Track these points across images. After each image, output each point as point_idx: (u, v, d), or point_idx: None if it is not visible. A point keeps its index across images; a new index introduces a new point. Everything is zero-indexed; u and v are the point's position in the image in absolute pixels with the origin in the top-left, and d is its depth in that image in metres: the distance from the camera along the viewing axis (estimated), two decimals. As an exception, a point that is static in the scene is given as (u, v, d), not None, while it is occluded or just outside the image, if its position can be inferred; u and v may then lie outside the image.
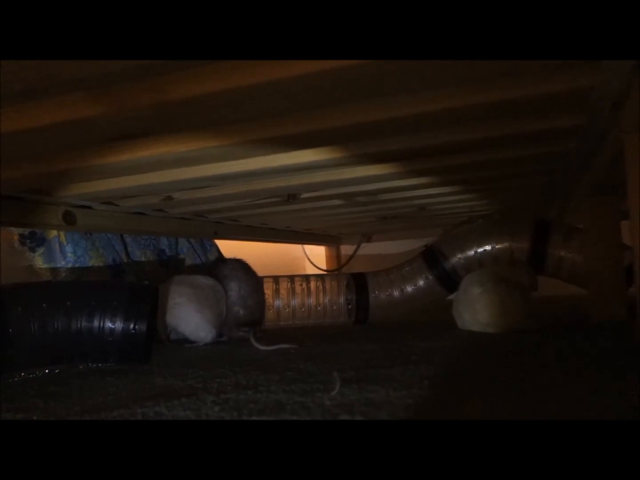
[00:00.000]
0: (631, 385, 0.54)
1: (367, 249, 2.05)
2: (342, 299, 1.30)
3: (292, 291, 1.29)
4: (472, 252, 1.23)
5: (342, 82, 0.50)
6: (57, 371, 0.82)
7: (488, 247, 1.22)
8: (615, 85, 0.50)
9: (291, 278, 1.30)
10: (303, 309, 1.30)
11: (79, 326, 0.80)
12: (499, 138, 0.69)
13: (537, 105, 0.57)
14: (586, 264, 1.07)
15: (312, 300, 1.30)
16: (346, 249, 2.08)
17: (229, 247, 1.52)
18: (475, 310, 1.00)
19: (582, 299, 1.10)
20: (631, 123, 0.53)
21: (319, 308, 1.30)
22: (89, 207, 0.97)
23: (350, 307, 1.29)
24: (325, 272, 1.97)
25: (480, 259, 1.21)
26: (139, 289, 0.86)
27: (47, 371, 0.82)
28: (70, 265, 1.07)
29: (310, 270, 1.99)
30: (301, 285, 1.31)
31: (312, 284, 1.31)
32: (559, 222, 1.28)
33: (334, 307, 1.30)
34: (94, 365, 0.85)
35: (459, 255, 1.24)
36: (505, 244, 1.21)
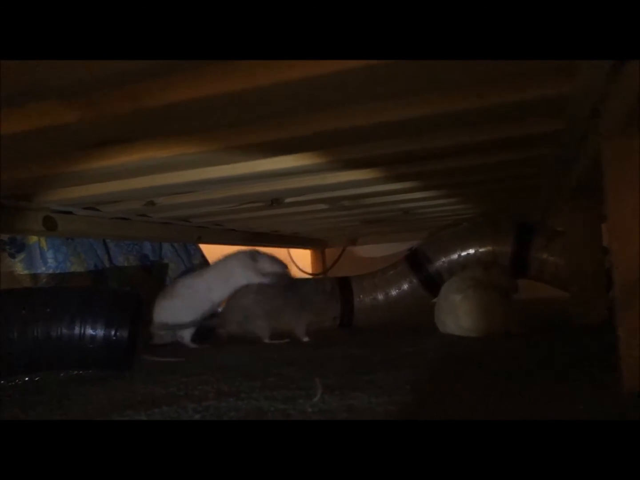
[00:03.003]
0: (605, 387, 0.55)
1: (353, 252, 2.05)
2: (327, 303, 1.30)
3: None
4: (456, 256, 1.24)
5: (323, 88, 0.50)
6: (37, 379, 0.81)
7: (472, 251, 1.23)
8: (592, 92, 0.51)
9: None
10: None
11: (59, 333, 0.80)
12: (479, 144, 0.69)
13: (515, 112, 0.58)
14: (568, 267, 1.08)
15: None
16: (331, 253, 2.08)
17: (213, 252, 1.51)
18: (458, 316, 1.01)
19: (565, 302, 1.11)
20: (608, 129, 0.53)
21: (303, 312, 1.30)
22: (70, 213, 0.96)
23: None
24: (310, 276, 1.97)
25: (464, 263, 1.22)
26: (120, 295, 0.86)
27: (27, 379, 0.81)
28: (51, 271, 1.05)
29: (295, 273, 1.99)
30: (286, 289, 1.31)
31: (297, 288, 1.31)
32: (541, 225, 1.29)
33: (319, 311, 1.30)
34: (75, 372, 0.84)
35: (443, 259, 1.25)
36: (489, 248, 1.22)
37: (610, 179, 0.55)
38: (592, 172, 0.69)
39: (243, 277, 1.09)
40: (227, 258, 1.14)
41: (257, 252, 1.13)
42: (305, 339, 1.09)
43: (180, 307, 1.08)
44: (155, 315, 1.09)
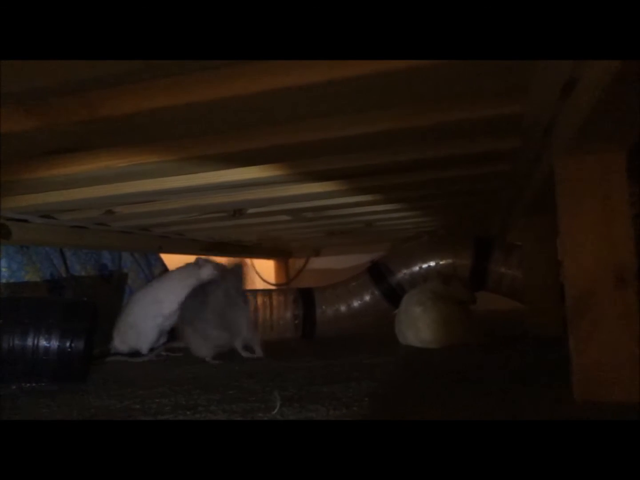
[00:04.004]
0: (557, 396, 0.56)
1: (316, 263, 2.06)
2: (289, 314, 1.30)
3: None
4: (417, 268, 1.26)
5: (284, 102, 0.50)
6: (-14, 392, 0.78)
7: (432, 263, 1.25)
8: (545, 110, 0.52)
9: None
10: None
11: (11, 345, 0.77)
12: (438, 159, 0.70)
13: (472, 129, 0.59)
14: (524, 280, 1.10)
15: (259, 315, 1.29)
16: (295, 263, 2.08)
17: (175, 262, 1.49)
18: (418, 328, 1.02)
19: (522, 314, 1.14)
20: (560, 147, 0.55)
21: (265, 323, 1.29)
22: (25, 221, 0.93)
23: (297, 322, 1.29)
24: (273, 287, 1.96)
25: (426, 275, 1.24)
26: (76, 305, 0.84)
27: (-23, 392, 0.78)
28: (4, 280, 1.02)
29: (259, 284, 1.98)
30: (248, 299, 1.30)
31: (259, 299, 1.31)
32: (499, 239, 1.32)
33: (281, 322, 1.30)
34: (28, 385, 0.81)
35: (405, 271, 1.26)
36: (449, 260, 1.24)
37: (562, 195, 0.57)
38: (547, 188, 0.71)
39: (186, 285, 1.07)
40: (172, 271, 1.14)
41: (203, 259, 1.12)
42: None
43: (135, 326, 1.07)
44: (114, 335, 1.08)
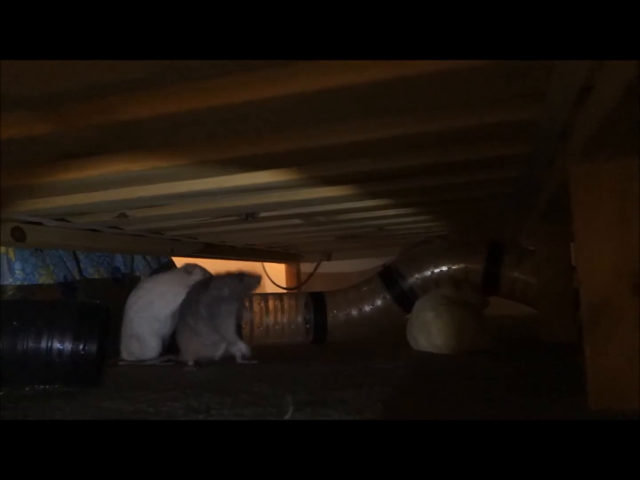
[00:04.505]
0: (570, 404, 0.55)
1: (327, 267, 2.05)
2: (300, 318, 1.30)
3: (250, 310, 1.28)
4: (429, 273, 1.25)
5: (298, 107, 0.50)
6: (0, 394, 0.79)
7: (444, 268, 1.24)
8: (560, 116, 0.52)
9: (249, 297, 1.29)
10: (261, 328, 1.29)
11: (25, 347, 0.78)
12: (450, 164, 0.70)
13: (485, 134, 0.59)
14: (537, 286, 1.10)
15: (270, 319, 1.30)
16: (306, 267, 2.08)
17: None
18: (431, 334, 1.02)
19: (534, 319, 1.13)
20: (575, 153, 0.55)
21: (277, 327, 1.29)
22: (40, 224, 0.94)
23: (308, 326, 1.29)
24: (284, 290, 1.97)
25: (437, 280, 1.23)
26: (89, 309, 0.84)
27: (-10, 394, 0.79)
28: (18, 282, 1.03)
29: (270, 288, 1.98)
30: (259, 304, 1.30)
31: (271, 303, 1.31)
32: (512, 244, 1.31)
33: (292, 327, 1.30)
34: (41, 387, 0.82)
35: (416, 276, 1.26)
36: (461, 265, 1.24)
37: (577, 201, 0.57)
38: (560, 193, 0.71)
39: (177, 292, 1.04)
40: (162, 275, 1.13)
41: (192, 264, 1.11)
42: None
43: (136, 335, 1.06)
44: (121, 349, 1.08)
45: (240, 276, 0.99)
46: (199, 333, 0.97)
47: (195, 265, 1.09)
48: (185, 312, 1.00)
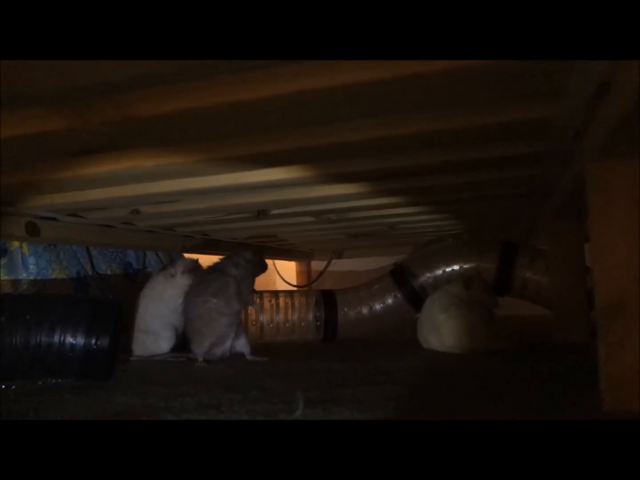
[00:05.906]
0: (584, 406, 0.55)
1: (338, 265, 2.05)
2: (310, 316, 1.30)
3: (261, 307, 1.28)
4: (440, 272, 1.25)
5: (312, 104, 0.50)
6: (13, 387, 0.80)
7: (456, 267, 1.24)
8: (576, 115, 0.52)
9: (260, 293, 1.29)
10: (271, 325, 1.30)
11: (38, 341, 0.78)
12: (464, 162, 0.70)
13: (500, 132, 0.58)
14: (551, 286, 1.09)
15: (280, 317, 1.30)
16: (317, 265, 2.08)
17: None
18: (442, 334, 1.01)
19: (547, 320, 1.12)
20: (592, 152, 0.54)
21: (287, 324, 1.30)
22: (54, 219, 0.95)
23: (318, 324, 1.29)
24: (295, 288, 1.97)
25: (449, 279, 1.22)
26: (102, 304, 0.84)
27: (3, 387, 0.79)
28: (32, 277, 1.04)
29: (280, 285, 1.98)
30: (270, 301, 1.30)
31: (281, 300, 1.31)
32: (525, 244, 1.30)
33: (303, 324, 1.30)
34: (53, 381, 0.82)
35: (428, 274, 1.26)
36: (473, 264, 1.23)
37: (593, 201, 0.56)
38: (576, 192, 0.70)
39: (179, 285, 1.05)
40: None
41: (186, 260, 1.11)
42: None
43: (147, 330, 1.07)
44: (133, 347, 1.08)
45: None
46: (209, 321, 0.97)
47: (184, 259, 1.10)
48: (192, 302, 1.00)
